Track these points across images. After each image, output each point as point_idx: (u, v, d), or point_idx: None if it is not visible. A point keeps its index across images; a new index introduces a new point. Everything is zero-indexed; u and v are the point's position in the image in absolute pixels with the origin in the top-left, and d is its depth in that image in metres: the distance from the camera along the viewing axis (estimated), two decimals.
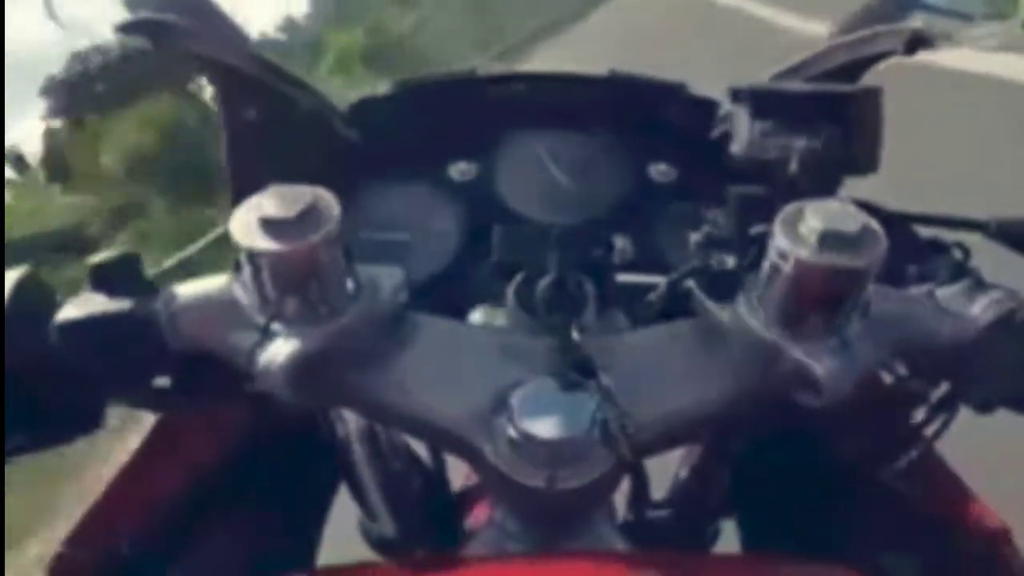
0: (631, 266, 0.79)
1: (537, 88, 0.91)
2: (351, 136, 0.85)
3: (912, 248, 0.58)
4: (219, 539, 0.69)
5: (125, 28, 0.66)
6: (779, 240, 0.50)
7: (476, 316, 0.71)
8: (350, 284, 0.53)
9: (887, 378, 0.60)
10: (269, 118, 0.77)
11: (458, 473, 0.86)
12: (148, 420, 0.69)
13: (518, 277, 0.67)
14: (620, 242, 0.81)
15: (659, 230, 0.84)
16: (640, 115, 0.87)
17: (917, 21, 0.75)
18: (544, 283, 0.63)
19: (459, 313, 0.72)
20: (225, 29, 0.75)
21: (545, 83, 0.92)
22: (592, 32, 16.11)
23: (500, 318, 0.68)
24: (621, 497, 0.62)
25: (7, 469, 0.54)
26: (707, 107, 0.86)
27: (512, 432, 0.51)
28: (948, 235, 0.60)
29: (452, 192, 0.85)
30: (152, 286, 0.55)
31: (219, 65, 0.73)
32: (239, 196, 0.54)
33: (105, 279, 0.53)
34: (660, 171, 0.86)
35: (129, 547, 0.61)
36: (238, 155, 0.78)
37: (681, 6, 14.33)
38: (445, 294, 0.77)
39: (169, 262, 6.54)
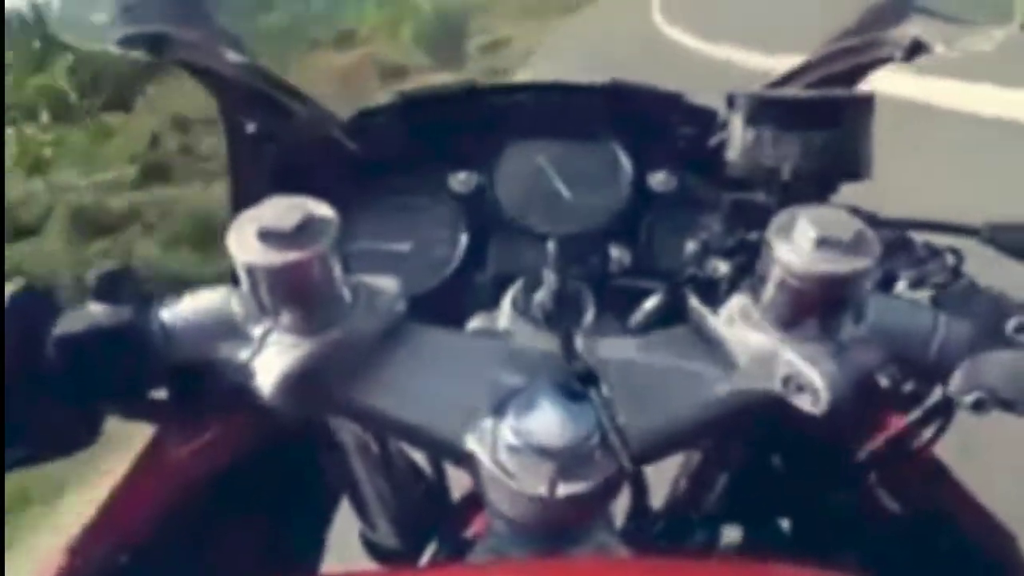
0: (629, 274, 0.80)
1: (536, 98, 0.92)
2: (351, 147, 0.86)
3: (906, 253, 0.58)
4: (219, 549, 0.69)
5: (126, 41, 0.67)
6: (774, 246, 0.51)
7: (474, 325, 0.72)
8: (347, 295, 0.54)
9: (883, 382, 0.60)
10: (269, 129, 0.77)
11: (458, 482, 0.87)
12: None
13: (516, 285, 0.67)
14: (618, 250, 0.81)
15: (658, 238, 0.84)
16: (639, 124, 0.88)
17: (915, 26, 0.75)
18: (542, 291, 0.64)
19: (457, 322, 0.72)
20: (223, 41, 0.75)
21: (544, 93, 0.92)
22: None
23: (498, 327, 0.68)
24: (621, 503, 0.62)
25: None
26: (705, 116, 0.87)
27: (512, 440, 0.51)
28: (941, 240, 0.60)
29: (452, 202, 0.85)
30: (149, 298, 0.55)
31: (219, 77, 0.74)
32: (239, 206, 0.54)
33: (102, 291, 0.54)
34: (659, 180, 0.86)
35: (130, 556, 0.61)
36: (239, 166, 0.78)
37: None
38: (443, 303, 0.77)
39: None
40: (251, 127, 0.77)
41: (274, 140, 0.78)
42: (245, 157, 0.78)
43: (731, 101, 0.64)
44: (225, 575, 0.69)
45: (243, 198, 0.76)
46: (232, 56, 0.75)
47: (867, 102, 0.60)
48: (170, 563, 0.64)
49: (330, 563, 0.84)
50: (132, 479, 0.65)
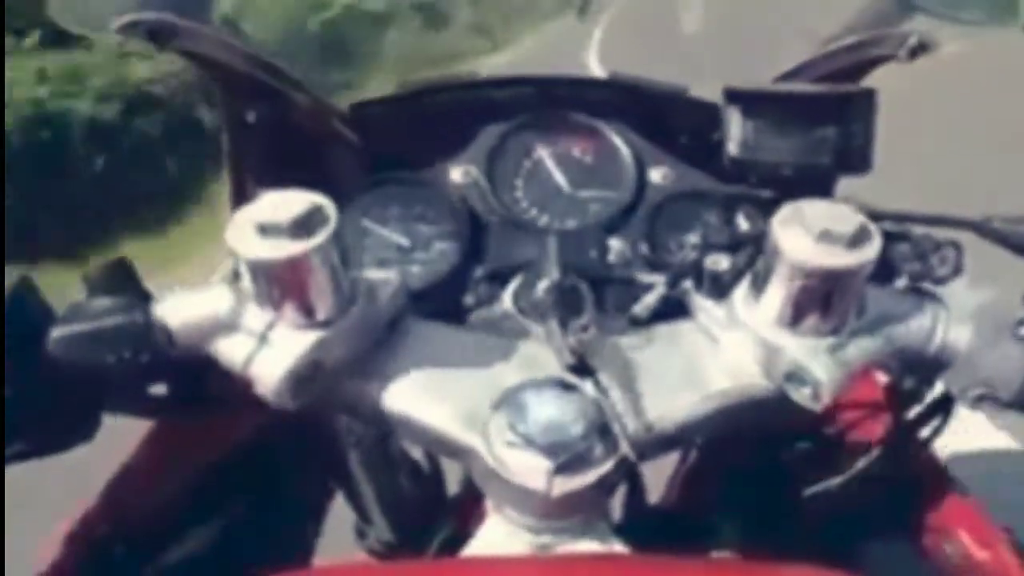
0: (629, 268, 0.79)
1: (538, 91, 0.91)
2: (351, 137, 0.85)
3: (906, 247, 0.58)
4: (214, 541, 0.69)
5: (126, 28, 0.67)
6: (775, 240, 0.51)
7: (474, 319, 0.71)
8: (347, 290, 0.53)
9: (883, 377, 0.60)
10: (269, 119, 0.77)
11: (456, 476, 0.86)
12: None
13: (516, 280, 0.67)
14: (619, 244, 0.81)
15: (659, 232, 0.84)
16: (641, 118, 0.87)
17: (918, 25, 0.75)
18: (542, 286, 0.63)
19: (457, 317, 0.72)
20: (222, 30, 0.75)
21: (546, 86, 0.92)
22: None
23: (499, 322, 0.68)
24: (618, 499, 0.62)
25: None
26: (707, 110, 0.86)
27: (510, 435, 0.51)
28: (942, 234, 0.60)
29: (452, 195, 0.85)
30: (147, 293, 0.55)
31: (219, 65, 0.73)
32: (238, 198, 0.54)
33: (100, 286, 0.53)
34: (660, 174, 0.86)
35: (125, 547, 0.61)
36: (238, 156, 0.78)
37: None
38: (444, 298, 0.76)
39: None
40: (251, 117, 0.76)
41: (275, 130, 0.78)
42: (244, 148, 0.78)
43: (730, 96, 0.63)
44: (219, 566, 0.68)
45: (242, 190, 0.76)
46: (233, 45, 0.75)
47: (868, 97, 0.60)
48: (165, 553, 0.64)
49: (322, 556, 0.84)
50: (130, 469, 0.65)
